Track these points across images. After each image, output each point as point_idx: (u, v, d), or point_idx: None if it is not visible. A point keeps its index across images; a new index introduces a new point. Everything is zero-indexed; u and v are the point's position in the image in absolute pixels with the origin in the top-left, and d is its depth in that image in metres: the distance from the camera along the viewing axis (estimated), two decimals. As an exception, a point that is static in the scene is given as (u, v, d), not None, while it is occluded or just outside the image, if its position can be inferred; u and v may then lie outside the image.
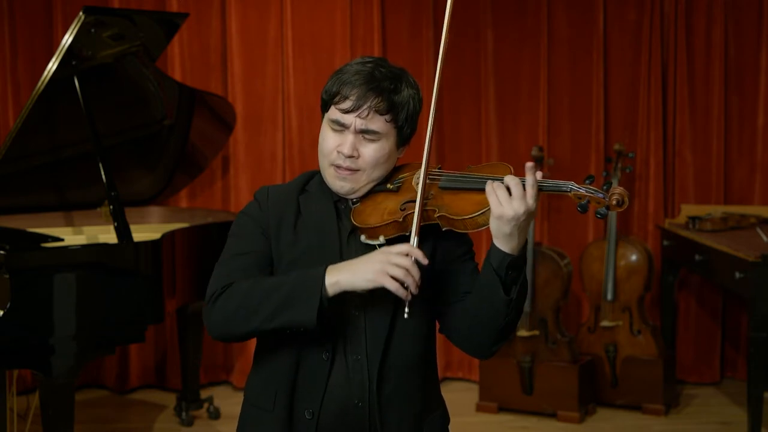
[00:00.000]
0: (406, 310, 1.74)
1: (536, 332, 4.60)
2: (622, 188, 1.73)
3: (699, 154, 5.13)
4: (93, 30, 3.58)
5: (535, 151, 4.82)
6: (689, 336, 5.18)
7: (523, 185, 1.72)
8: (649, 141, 5.10)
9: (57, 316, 3.16)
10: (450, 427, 2.02)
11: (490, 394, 4.70)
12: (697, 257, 4.46)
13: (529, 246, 4.56)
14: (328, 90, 1.88)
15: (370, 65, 1.87)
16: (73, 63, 3.57)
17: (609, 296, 4.69)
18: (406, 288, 1.72)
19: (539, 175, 1.74)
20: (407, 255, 1.73)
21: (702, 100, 5.12)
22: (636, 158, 5.06)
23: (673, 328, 5.08)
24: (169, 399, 4.93)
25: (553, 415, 4.57)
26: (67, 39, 3.49)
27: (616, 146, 4.88)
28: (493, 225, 1.73)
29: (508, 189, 1.72)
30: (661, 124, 5.11)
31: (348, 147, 1.85)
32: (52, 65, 3.49)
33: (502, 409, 4.68)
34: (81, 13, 3.46)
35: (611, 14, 5.12)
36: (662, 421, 4.55)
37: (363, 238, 1.87)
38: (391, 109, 1.85)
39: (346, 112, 1.85)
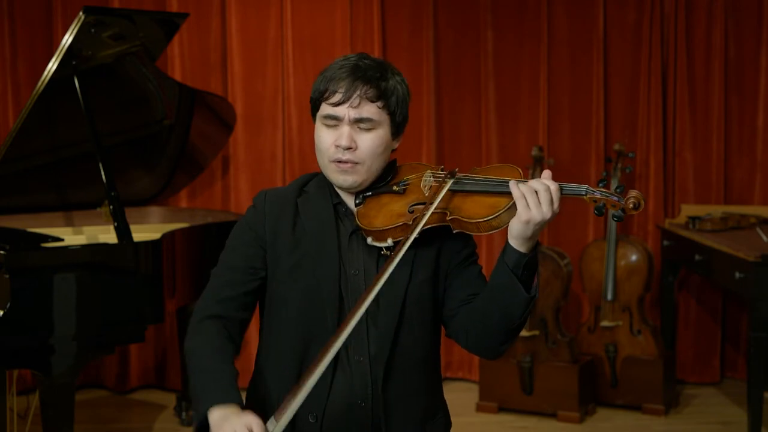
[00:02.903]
0: None
1: (536, 332, 4.60)
2: (637, 191, 1.74)
3: (699, 154, 5.13)
4: (93, 30, 3.58)
5: (535, 151, 4.82)
6: (689, 336, 5.18)
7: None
8: (649, 141, 5.10)
9: (57, 316, 3.15)
10: (450, 429, 2.01)
11: (490, 394, 4.70)
12: (697, 257, 4.46)
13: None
14: (316, 89, 1.90)
15: (353, 59, 1.89)
16: (73, 63, 3.56)
17: (609, 296, 4.69)
18: None
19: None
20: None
21: (702, 100, 5.12)
22: (636, 158, 5.05)
23: (673, 328, 5.08)
24: (169, 399, 4.93)
25: (553, 415, 4.57)
26: (67, 39, 3.49)
27: (616, 146, 4.88)
28: (517, 228, 1.75)
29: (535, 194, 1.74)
30: (661, 124, 5.10)
31: (345, 138, 1.86)
32: (52, 65, 3.49)
33: (502, 409, 4.68)
34: (81, 13, 3.45)
35: (611, 14, 5.12)
36: (662, 421, 4.55)
37: (370, 240, 1.86)
38: (381, 95, 1.86)
39: (337, 104, 1.86)
